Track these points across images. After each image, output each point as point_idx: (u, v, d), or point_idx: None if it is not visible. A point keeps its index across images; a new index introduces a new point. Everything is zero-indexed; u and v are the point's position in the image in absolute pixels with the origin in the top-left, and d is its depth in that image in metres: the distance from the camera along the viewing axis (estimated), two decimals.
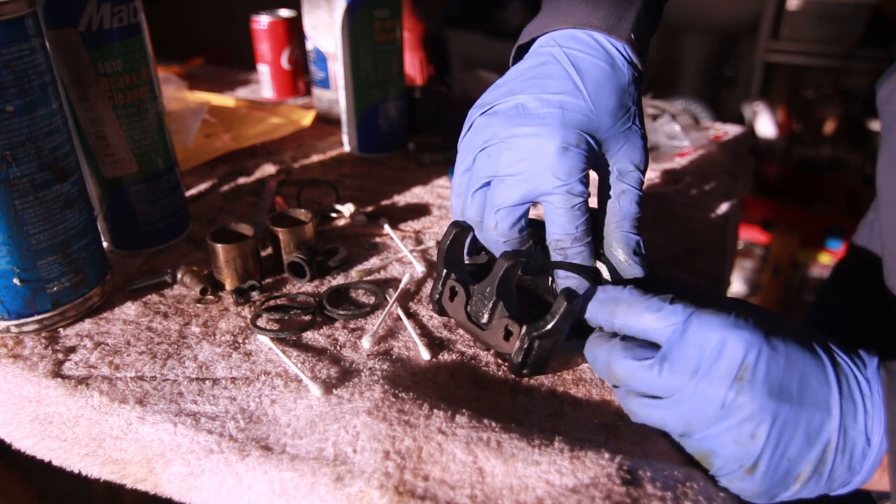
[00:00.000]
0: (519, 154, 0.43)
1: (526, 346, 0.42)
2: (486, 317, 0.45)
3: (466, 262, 0.50)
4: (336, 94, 0.95)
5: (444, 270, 0.47)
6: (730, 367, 0.34)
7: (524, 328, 0.41)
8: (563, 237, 0.43)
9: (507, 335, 0.43)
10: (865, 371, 0.35)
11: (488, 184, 0.45)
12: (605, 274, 0.46)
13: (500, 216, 0.44)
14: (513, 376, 0.44)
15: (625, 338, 0.39)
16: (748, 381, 0.34)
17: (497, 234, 0.45)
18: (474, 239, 0.48)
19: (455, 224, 0.47)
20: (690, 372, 0.35)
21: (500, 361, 0.46)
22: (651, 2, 0.48)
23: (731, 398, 0.34)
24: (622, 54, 0.45)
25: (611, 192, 0.46)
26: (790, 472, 0.34)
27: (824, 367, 0.35)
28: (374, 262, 0.59)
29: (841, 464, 0.34)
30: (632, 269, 0.45)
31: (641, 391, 0.38)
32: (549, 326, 0.40)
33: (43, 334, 0.48)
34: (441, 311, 0.48)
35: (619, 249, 0.45)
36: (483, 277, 0.45)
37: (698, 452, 0.36)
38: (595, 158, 0.44)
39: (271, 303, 0.52)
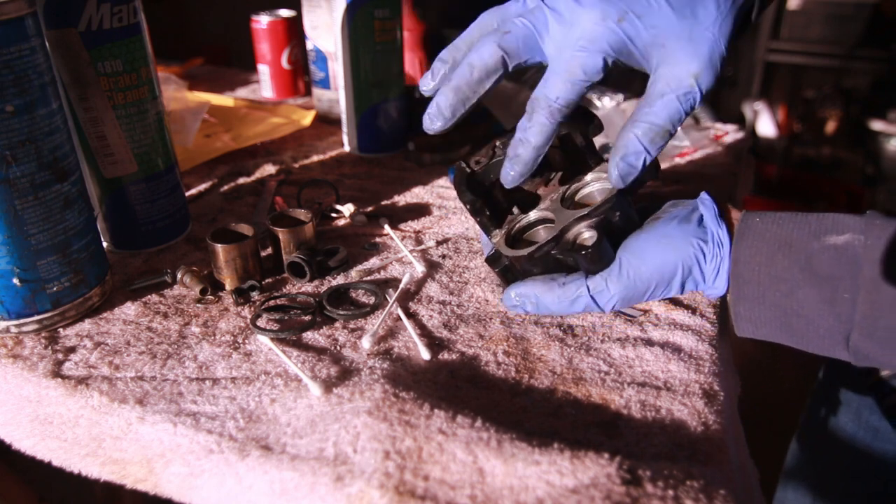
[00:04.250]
0: None
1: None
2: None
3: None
4: (336, 94, 0.95)
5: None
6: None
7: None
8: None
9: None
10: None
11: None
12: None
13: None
14: (513, 376, 0.45)
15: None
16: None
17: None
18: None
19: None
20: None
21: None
22: None
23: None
24: None
25: (651, 89, 0.44)
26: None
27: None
28: (374, 262, 0.59)
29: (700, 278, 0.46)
30: (612, 173, 0.45)
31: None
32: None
33: (43, 334, 0.48)
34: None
35: (616, 149, 0.44)
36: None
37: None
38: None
39: (271, 303, 0.52)
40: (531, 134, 0.45)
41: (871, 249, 0.41)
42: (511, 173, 0.47)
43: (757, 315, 0.45)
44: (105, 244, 0.60)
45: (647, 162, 0.44)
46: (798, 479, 0.77)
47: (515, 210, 0.52)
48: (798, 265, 0.43)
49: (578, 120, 0.50)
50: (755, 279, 0.45)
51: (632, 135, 0.44)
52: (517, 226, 0.51)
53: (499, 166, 0.50)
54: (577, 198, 0.51)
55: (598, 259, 0.46)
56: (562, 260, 0.48)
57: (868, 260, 0.41)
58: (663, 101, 0.43)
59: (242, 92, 1.12)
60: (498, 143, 0.50)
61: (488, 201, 0.51)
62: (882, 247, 0.41)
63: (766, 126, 2.67)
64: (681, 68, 0.42)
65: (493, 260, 0.50)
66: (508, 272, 0.50)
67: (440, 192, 0.73)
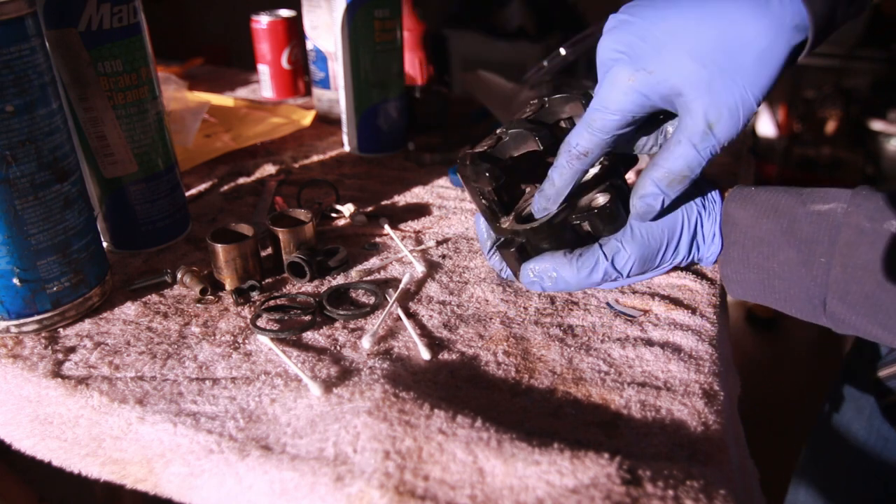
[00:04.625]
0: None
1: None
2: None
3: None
4: (336, 94, 0.95)
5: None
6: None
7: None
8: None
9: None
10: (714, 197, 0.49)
11: None
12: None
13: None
14: (513, 376, 0.45)
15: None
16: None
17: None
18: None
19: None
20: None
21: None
22: None
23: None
24: None
25: (672, 135, 0.44)
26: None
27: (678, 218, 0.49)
28: (374, 262, 0.59)
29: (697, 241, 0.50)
30: (632, 211, 0.47)
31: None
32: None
33: (43, 334, 0.48)
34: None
35: (636, 188, 0.46)
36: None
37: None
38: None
39: (271, 303, 0.52)
40: (555, 174, 0.47)
41: (850, 215, 0.42)
42: (536, 206, 0.49)
43: (743, 277, 0.48)
44: (105, 244, 0.60)
45: (667, 202, 0.46)
46: (809, 481, 0.77)
47: (528, 189, 0.53)
48: (780, 228, 0.44)
49: (563, 104, 0.51)
50: (740, 241, 0.47)
51: (649, 179, 0.45)
52: (527, 209, 0.52)
53: (505, 149, 0.50)
54: None
55: (615, 216, 0.48)
56: (577, 227, 0.48)
57: (846, 224, 0.42)
58: (680, 148, 0.43)
59: (242, 92, 1.12)
60: (499, 131, 0.51)
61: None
62: (862, 213, 0.42)
63: (766, 126, 2.67)
64: (697, 118, 0.42)
65: (505, 244, 0.50)
66: (524, 252, 0.50)
67: (440, 192, 0.73)
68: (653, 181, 0.45)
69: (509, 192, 0.53)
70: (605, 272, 0.48)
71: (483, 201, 0.51)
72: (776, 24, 0.40)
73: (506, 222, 0.51)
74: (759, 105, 0.42)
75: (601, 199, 0.48)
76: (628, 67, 0.42)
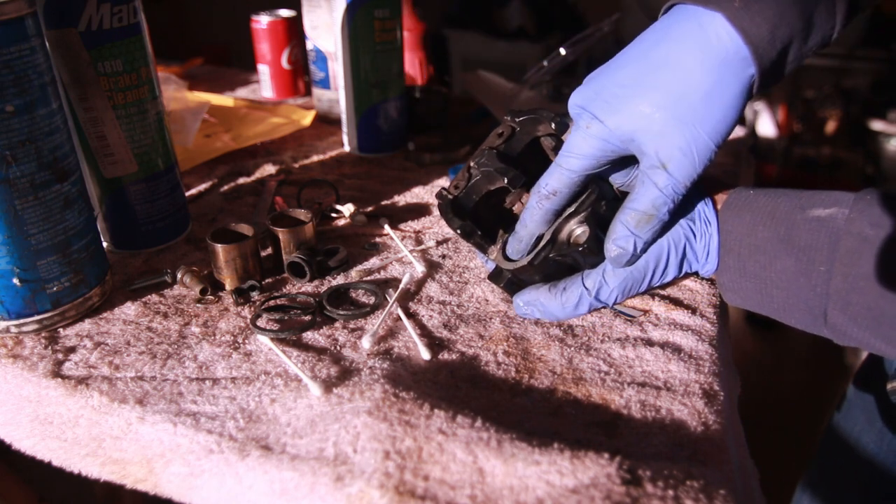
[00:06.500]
0: None
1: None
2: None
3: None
4: (336, 94, 0.95)
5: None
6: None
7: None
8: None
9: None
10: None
11: None
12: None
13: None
14: (513, 376, 0.45)
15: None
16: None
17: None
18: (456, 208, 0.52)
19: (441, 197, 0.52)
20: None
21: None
22: None
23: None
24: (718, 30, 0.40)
25: (636, 178, 0.46)
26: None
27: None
28: (374, 262, 0.59)
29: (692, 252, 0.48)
30: (607, 255, 0.47)
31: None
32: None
33: (43, 334, 0.48)
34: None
35: (608, 233, 0.47)
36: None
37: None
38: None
39: (271, 303, 0.52)
40: (527, 216, 0.48)
41: (852, 222, 0.41)
42: (509, 248, 0.50)
43: (740, 286, 0.46)
44: (105, 244, 0.60)
45: (639, 245, 0.46)
46: (815, 491, 0.76)
47: (501, 231, 0.53)
48: (777, 236, 0.43)
49: (534, 124, 0.51)
50: (736, 249, 0.46)
51: (619, 222, 0.46)
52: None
53: (478, 187, 0.51)
54: None
55: (595, 251, 0.47)
56: (561, 261, 0.48)
57: (848, 232, 0.41)
58: (643, 189, 0.45)
59: (242, 92, 1.12)
60: (472, 164, 0.51)
61: (477, 222, 0.52)
62: (864, 220, 0.41)
63: (766, 126, 2.67)
64: (651, 159, 0.44)
65: (495, 276, 0.51)
66: (513, 284, 0.51)
67: None
68: (622, 223, 0.46)
69: (495, 215, 0.53)
70: (590, 305, 0.49)
71: (468, 240, 0.52)
72: (720, 65, 0.41)
73: (493, 252, 0.52)
74: (717, 143, 0.43)
75: (579, 231, 0.48)
76: (587, 117, 0.45)
